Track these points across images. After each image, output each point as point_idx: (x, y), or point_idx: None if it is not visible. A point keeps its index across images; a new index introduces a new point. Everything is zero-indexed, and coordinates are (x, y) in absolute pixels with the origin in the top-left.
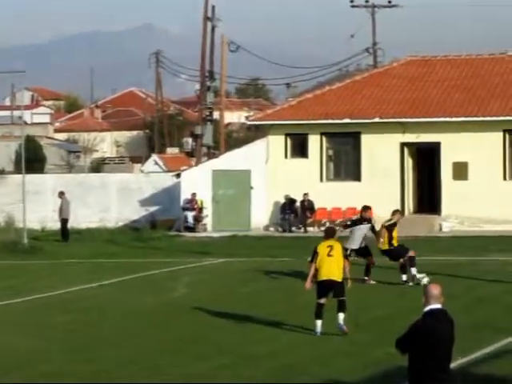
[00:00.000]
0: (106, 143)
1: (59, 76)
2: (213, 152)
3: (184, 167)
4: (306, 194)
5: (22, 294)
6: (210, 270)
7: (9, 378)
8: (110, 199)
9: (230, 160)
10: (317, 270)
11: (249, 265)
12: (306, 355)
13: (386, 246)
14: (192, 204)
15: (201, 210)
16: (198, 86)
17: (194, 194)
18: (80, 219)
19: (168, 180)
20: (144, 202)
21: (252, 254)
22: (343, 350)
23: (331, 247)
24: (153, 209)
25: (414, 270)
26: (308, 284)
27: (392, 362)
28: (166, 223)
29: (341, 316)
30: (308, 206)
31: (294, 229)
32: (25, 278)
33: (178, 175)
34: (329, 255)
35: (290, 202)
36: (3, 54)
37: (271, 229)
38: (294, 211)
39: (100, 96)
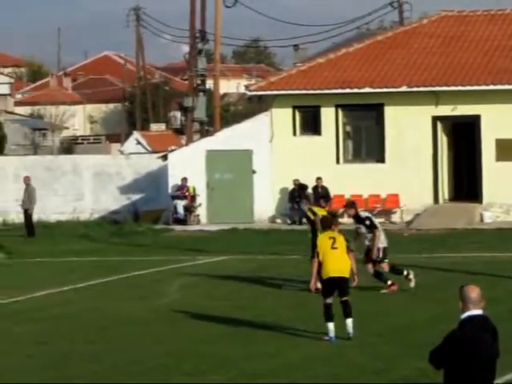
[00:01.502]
0: (78, 119)
1: (20, 38)
2: (206, 129)
3: (172, 147)
4: (319, 179)
5: None
6: (205, 270)
7: None
8: (84, 186)
9: (228, 138)
10: (320, 266)
11: (251, 264)
12: (320, 373)
13: None
14: (182, 191)
15: (193, 198)
16: (187, 49)
17: (184, 180)
18: (48, 210)
19: (153, 163)
20: (124, 190)
21: (255, 251)
22: (364, 365)
23: (334, 239)
24: (135, 197)
25: None
26: (313, 284)
27: (423, 379)
28: (151, 215)
29: (350, 323)
30: (322, 193)
31: (304, 220)
32: None
33: (165, 157)
34: (333, 248)
35: (301, 188)
36: None
37: (278, 220)
38: (305, 199)
39: (69, 62)
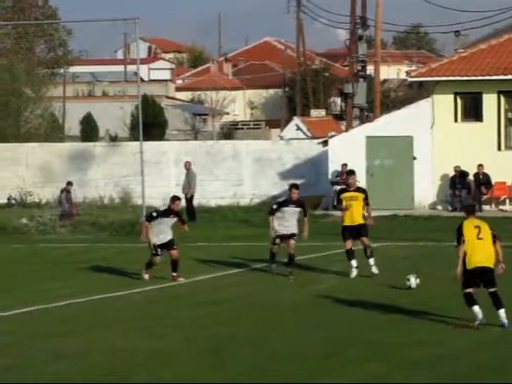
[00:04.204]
0: (238, 104)
1: (181, 24)
2: (366, 115)
3: (332, 133)
4: (480, 166)
5: (141, 284)
6: (362, 256)
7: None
8: (244, 171)
9: (388, 124)
10: (465, 255)
11: (412, 251)
12: (483, 361)
13: None
14: (342, 177)
15: None
16: (347, 36)
17: (344, 166)
18: (208, 195)
19: (313, 148)
20: (284, 175)
21: (416, 238)
22: None
23: (479, 228)
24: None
25: None
26: (459, 271)
27: None
28: (310, 200)
29: (502, 313)
30: (483, 180)
31: None
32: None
33: (325, 142)
34: (479, 238)
35: (462, 174)
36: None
37: (439, 207)
38: (466, 186)
39: (230, 48)
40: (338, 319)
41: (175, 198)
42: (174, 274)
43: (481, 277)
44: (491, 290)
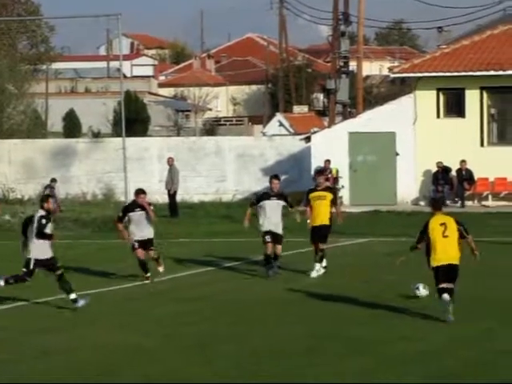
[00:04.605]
0: (221, 100)
1: (164, 21)
2: (349, 111)
3: (315, 129)
4: (463, 162)
5: (122, 281)
6: (347, 252)
7: (116, 379)
8: (227, 167)
9: (371, 120)
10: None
11: (395, 246)
12: (466, 358)
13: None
14: (325, 173)
15: (336, 180)
16: (326, 30)
17: (327, 162)
18: (191, 191)
19: (295, 144)
20: (267, 171)
21: (398, 234)
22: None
23: (445, 225)
24: None
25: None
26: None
27: None
28: (293, 196)
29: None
30: (466, 176)
31: (449, 203)
32: (130, 261)
33: (308, 139)
34: (444, 236)
35: (444, 170)
36: None
37: (421, 203)
38: (448, 182)
39: (212, 44)
40: (320, 314)
41: (139, 191)
42: (147, 275)
43: (446, 274)
44: (449, 286)
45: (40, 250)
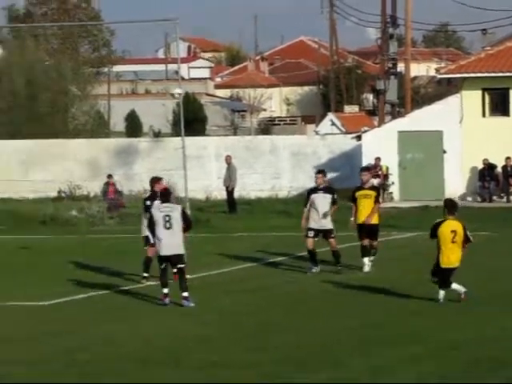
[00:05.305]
0: (274, 101)
1: (219, 24)
2: (398, 110)
3: (365, 128)
4: (508, 159)
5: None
6: (398, 246)
7: (180, 366)
8: (282, 165)
9: (419, 120)
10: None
11: None
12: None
13: None
14: (376, 170)
15: (386, 176)
16: (378, 34)
17: (377, 159)
18: (248, 187)
19: (347, 143)
20: (320, 168)
21: None
22: None
23: (455, 233)
24: (330, 176)
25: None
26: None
27: None
28: (345, 192)
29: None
30: (511, 172)
31: (495, 198)
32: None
33: (359, 137)
34: (453, 241)
35: (490, 167)
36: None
37: (469, 198)
38: (494, 178)
39: (266, 46)
40: (372, 306)
41: (155, 179)
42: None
43: (449, 275)
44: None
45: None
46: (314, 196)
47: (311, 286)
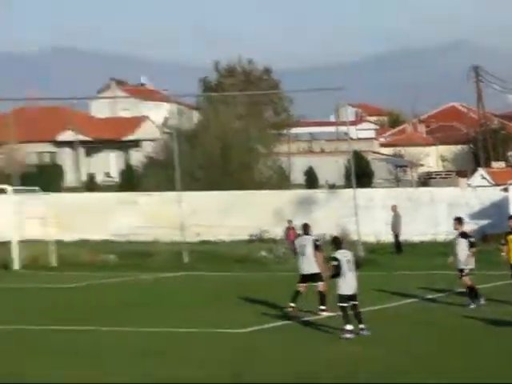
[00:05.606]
0: (431, 158)
1: (382, 91)
2: None
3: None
4: None
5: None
6: None
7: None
8: (439, 213)
9: None
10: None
11: None
12: None
13: None
14: None
15: None
16: None
17: None
18: (411, 232)
19: (496, 194)
20: (472, 217)
21: None
22: None
23: None
24: (482, 223)
25: None
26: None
27: None
28: (497, 237)
29: None
30: None
31: None
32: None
33: (506, 189)
34: None
35: None
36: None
37: None
38: None
39: (422, 111)
40: None
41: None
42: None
43: None
44: None
45: None
46: (456, 240)
47: (466, 319)
